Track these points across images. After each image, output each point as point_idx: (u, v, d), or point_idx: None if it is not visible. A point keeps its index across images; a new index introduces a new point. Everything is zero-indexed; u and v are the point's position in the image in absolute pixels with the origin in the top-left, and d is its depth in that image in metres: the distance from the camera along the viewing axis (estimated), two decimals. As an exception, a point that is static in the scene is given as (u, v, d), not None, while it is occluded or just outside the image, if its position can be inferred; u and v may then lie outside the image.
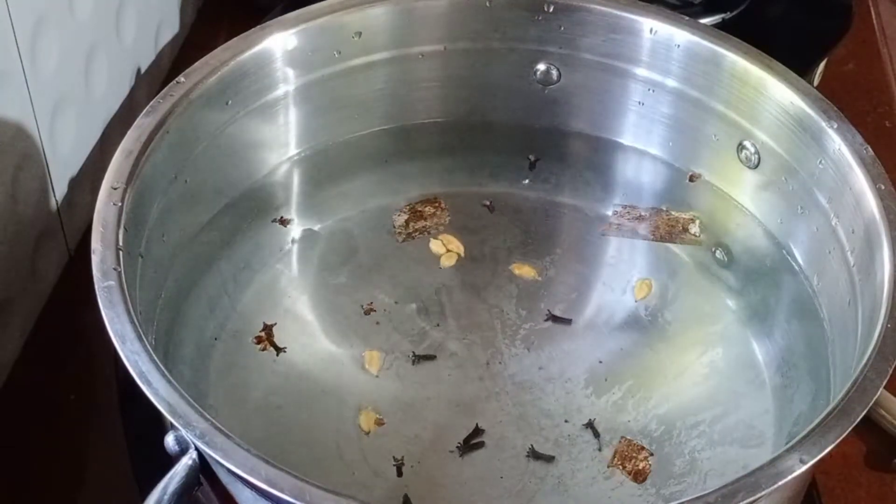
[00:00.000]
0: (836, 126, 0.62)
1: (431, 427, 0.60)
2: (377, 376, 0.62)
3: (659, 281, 0.67)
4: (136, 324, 0.50)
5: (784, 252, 0.67)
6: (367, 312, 0.65)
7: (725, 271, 0.68)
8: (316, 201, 0.71)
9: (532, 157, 0.73)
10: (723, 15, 0.82)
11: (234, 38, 0.65)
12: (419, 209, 0.70)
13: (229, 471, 0.46)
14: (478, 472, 0.58)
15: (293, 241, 0.69)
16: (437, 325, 0.65)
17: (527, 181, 0.73)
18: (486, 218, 0.70)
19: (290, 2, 0.73)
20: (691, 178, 0.71)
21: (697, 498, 0.46)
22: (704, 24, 0.70)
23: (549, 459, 0.58)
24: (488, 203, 0.71)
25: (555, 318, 0.65)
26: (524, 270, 0.68)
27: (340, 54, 0.69)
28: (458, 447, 0.59)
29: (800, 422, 0.59)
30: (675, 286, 0.67)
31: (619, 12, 0.69)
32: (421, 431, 0.60)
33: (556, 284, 0.67)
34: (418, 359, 0.63)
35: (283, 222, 0.69)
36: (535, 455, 0.58)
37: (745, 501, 0.46)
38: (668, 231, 0.65)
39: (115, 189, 0.56)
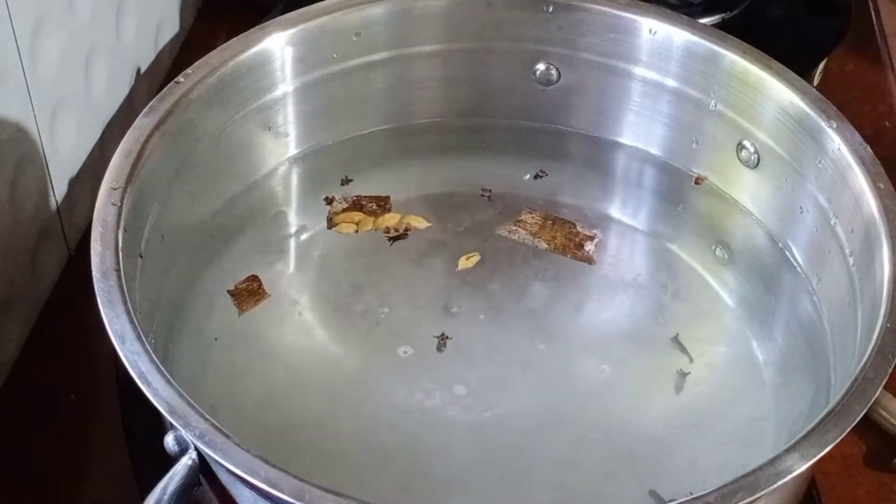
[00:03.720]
0: (835, 126, 0.62)
1: (431, 426, 0.60)
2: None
3: (659, 281, 0.67)
4: (136, 324, 0.50)
5: (784, 252, 0.67)
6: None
7: (725, 271, 0.68)
8: (315, 201, 0.71)
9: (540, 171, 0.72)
10: (722, 15, 0.82)
11: (234, 39, 0.66)
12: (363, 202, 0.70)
13: (229, 471, 0.46)
14: (478, 471, 0.58)
15: (293, 240, 0.69)
16: (438, 324, 0.65)
17: (526, 180, 0.73)
18: (486, 217, 0.71)
19: (289, 2, 0.73)
20: (697, 182, 0.71)
21: (697, 498, 0.46)
22: (704, 24, 0.70)
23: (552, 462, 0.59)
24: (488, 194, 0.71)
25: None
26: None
27: (340, 54, 0.69)
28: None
29: (800, 422, 0.59)
30: (675, 286, 0.67)
31: (618, 12, 0.69)
32: (420, 430, 0.59)
33: (556, 285, 0.67)
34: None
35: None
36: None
37: (745, 501, 0.46)
38: (564, 244, 0.65)
39: (114, 189, 0.56)
